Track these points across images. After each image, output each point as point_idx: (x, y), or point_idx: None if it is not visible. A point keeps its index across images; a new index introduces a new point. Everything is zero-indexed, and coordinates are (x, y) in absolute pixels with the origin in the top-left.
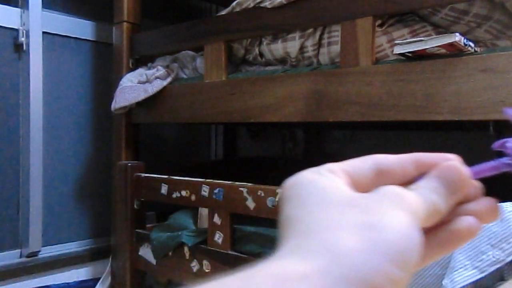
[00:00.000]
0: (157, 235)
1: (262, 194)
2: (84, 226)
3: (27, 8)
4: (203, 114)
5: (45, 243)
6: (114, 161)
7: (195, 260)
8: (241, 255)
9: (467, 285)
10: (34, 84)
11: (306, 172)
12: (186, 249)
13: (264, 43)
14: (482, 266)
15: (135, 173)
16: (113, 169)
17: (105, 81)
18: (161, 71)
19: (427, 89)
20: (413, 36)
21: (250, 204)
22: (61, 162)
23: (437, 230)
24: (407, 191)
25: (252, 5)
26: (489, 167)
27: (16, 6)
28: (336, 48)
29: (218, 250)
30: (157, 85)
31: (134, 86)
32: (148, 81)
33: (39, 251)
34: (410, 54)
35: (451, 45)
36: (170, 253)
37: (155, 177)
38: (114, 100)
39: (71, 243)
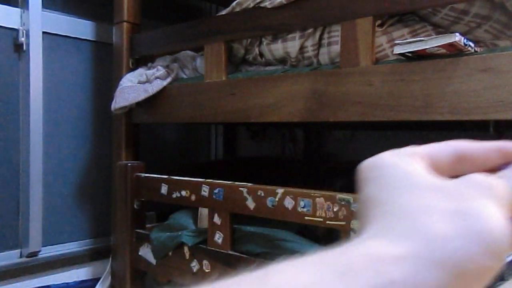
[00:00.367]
0: (157, 235)
1: (262, 194)
2: (84, 226)
3: (27, 8)
4: (203, 114)
5: (45, 243)
6: (114, 161)
7: (195, 260)
8: (241, 255)
9: None
10: (34, 84)
11: (387, 155)
12: (186, 249)
13: (264, 43)
14: None
15: (135, 173)
16: (113, 169)
17: (105, 81)
18: (161, 71)
19: (427, 89)
20: (413, 36)
21: (250, 204)
22: (61, 162)
23: None
24: (495, 179)
25: (252, 5)
26: None
27: (16, 6)
28: (336, 48)
29: (218, 250)
30: (157, 85)
31: (134, 86)
32: (148, 81)
33: (39, 251)
34: (410, 54)
35: (451, 45)
36: (170, 253)
37: (155, 177)
38: (114, 100)
39: (71, 243)
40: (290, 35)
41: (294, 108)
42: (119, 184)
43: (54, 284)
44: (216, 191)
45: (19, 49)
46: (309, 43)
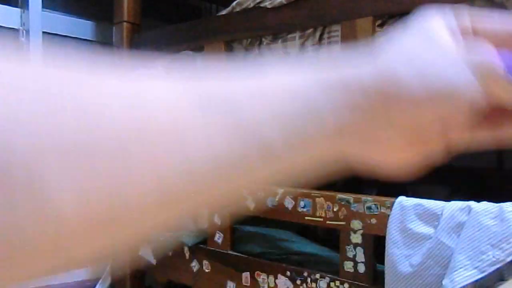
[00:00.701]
0: (157, 235)
1: (262, 194)
2: None
3: (27, 8)
4: None
5: None
6: None
7: (195, 260)
8: (241, 255)
9: (467, 285)
10: None
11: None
12: (186, 249)
13: (264, 43)
14: (482, 266)
15: None
16: None
17: None
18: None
19: None
20: None
21: (250, 204)
22: None
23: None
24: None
25: (252, 5)
26: None
27: (16, 6)
28: (336, 48)
29: (218, 250)
30: None
31: None
32: None
33: None
34: None
35: None
36: (170, 253)
37: None
38: None
39: None
40: (290, 35)
41: None
42: None
43: (54, 284)
44: None
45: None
46: (309, 43)
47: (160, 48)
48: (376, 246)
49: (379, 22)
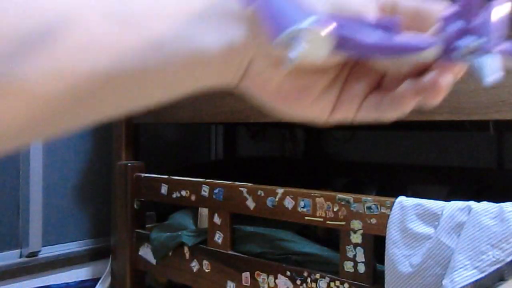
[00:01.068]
0: (157, 235)
1: (262, 194)
2: (84, 226)
3: None
4: (203, 114)
5: (45, 243)
6: (114, 161)
7: (195, 260)
8: (241, 255)
9: (467, 285)
10: None
11: None
12: (186, 249)
13: None
14: (482, 266)
15: (135, 173)
16: (113, 169)
17: None
18: None
19: None
20: None
21: (250, 204)
22: (61, 162)
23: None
24: None
25: None
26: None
27: None
28: None
29: (218, 250)
30: None
31: None
32: None
33: (39, 251)
34: None
35: None
36: (170, 253)
37: (155, 177)
38: None
39: (71, 243)
40: None
41: None
42: (119, 184)
43: (54, 284)
44: (216, 191)
45: None
46: None
47: None
48: (376, 246)
49: None
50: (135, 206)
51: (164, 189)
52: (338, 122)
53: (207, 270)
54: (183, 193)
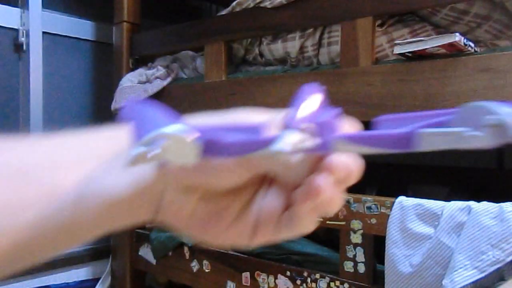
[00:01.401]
0: (157, 235)
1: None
2: None
3: (27, 8)
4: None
5: None
6: None
7: (195, 260)
8: (241, 255)
9: (467, 285)
10: (34, 84)
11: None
12: (186, 249)
13: (264, 43)
14: (482, 266)
15: None
16: None
17: (105, 81)
18: (161, 71)
19: (427, 89)
20: (413, 36)
21: None
22: None
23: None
24: None
25: (252, 5)
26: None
27: (16, 6)
28: (336, 48)
29: (218, 250)
30: (157, 85)
31: (134, 86)
32: (148, 81)
33: None
34: (410, 54)
35: (451, 45)
36: (170, 253)
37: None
38: (114, 100)
39: None
40: (290, 35)
41: None
42: None
43: (54, 284)
44: None
45: (19, 49)
46: (309, 43)
47: (160, 48)
48: (376, 246)
49: (379, 22)
50: None
51: None
52: (262, 244)
53: (207, 270)
54: None
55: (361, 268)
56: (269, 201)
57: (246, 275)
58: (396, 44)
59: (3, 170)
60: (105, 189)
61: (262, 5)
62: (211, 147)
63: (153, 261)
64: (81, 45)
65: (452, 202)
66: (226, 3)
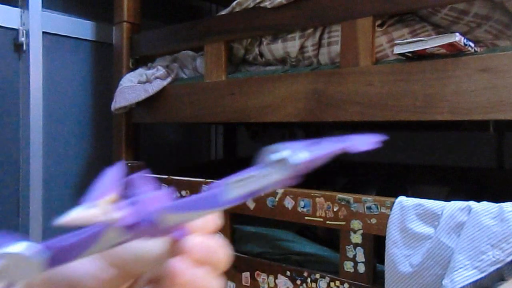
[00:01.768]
0: None
1: (262, 194)
2: None
3: (27, 8)
4: (203, 114)
5: None
6: (114, 161)
7: None
8: (241, 255)
9: (467, 285)
10: (34, 84)
11: None
12: None
13: (264, 43)
14: (482, 266)
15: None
16: None
17: (105, 81)
18: (161, 71)
19: (427, 89)
20: (413, 36)
21: (250, 204)
22: (61, 162)
23: None
24: None
25: (252, 5)
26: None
27: (16, 6)
28: (336, 48)
29: None
30: (157, 85)
31: (134, 86)
32: (148, 81)
33: None
34: (410, 54)
35: (451, 45)
36: None
37: (155, 177)
38: (114, 100)
39: None
40: (290, 35)
41: (294, 108)
42: None
43: None
44: None
45: (19, 49)
46: (309, 43)
47: (160, 48)
48: (376, 246)
49: (379, 22)
50: None
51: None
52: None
53: None
54: (183, 193)
55: (361, 268)
56: None
57: (246, 275)
58: (396, 44)
59: None
60: None
61: (262, 5)
62: (60, 255)
63: None
64: (81, 45)
65: (452, 202)
66: (226, 3)
